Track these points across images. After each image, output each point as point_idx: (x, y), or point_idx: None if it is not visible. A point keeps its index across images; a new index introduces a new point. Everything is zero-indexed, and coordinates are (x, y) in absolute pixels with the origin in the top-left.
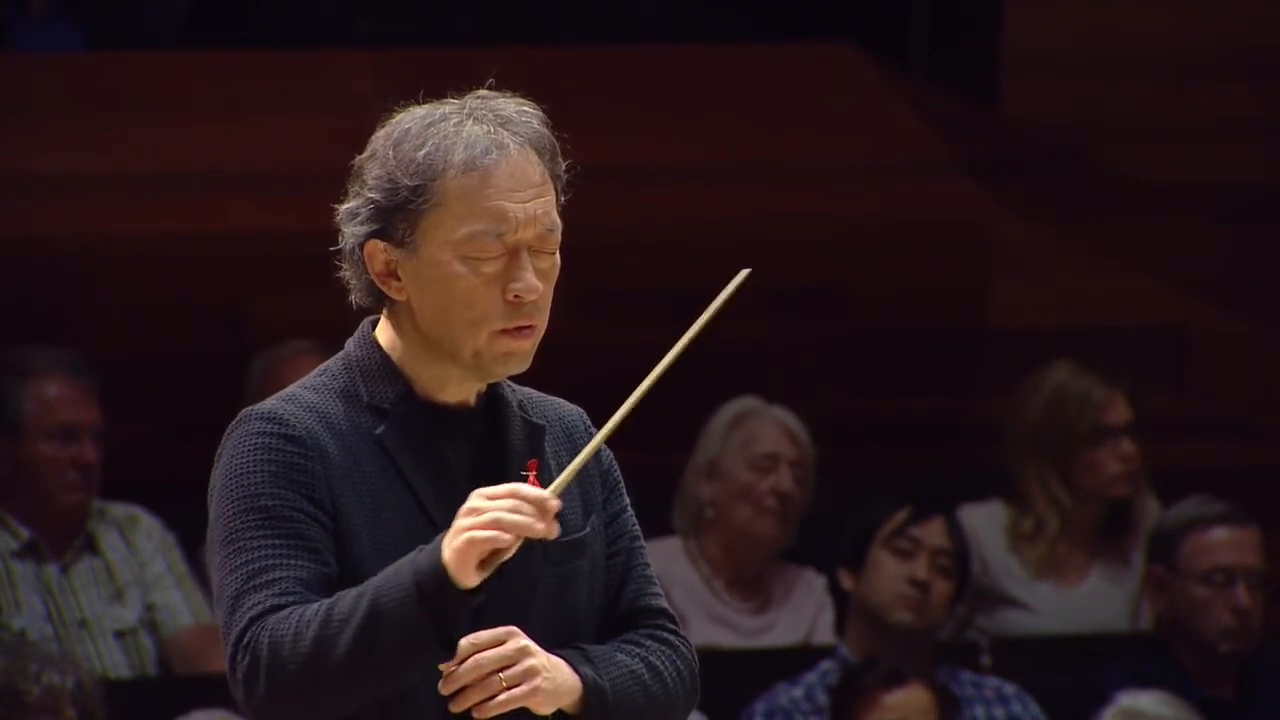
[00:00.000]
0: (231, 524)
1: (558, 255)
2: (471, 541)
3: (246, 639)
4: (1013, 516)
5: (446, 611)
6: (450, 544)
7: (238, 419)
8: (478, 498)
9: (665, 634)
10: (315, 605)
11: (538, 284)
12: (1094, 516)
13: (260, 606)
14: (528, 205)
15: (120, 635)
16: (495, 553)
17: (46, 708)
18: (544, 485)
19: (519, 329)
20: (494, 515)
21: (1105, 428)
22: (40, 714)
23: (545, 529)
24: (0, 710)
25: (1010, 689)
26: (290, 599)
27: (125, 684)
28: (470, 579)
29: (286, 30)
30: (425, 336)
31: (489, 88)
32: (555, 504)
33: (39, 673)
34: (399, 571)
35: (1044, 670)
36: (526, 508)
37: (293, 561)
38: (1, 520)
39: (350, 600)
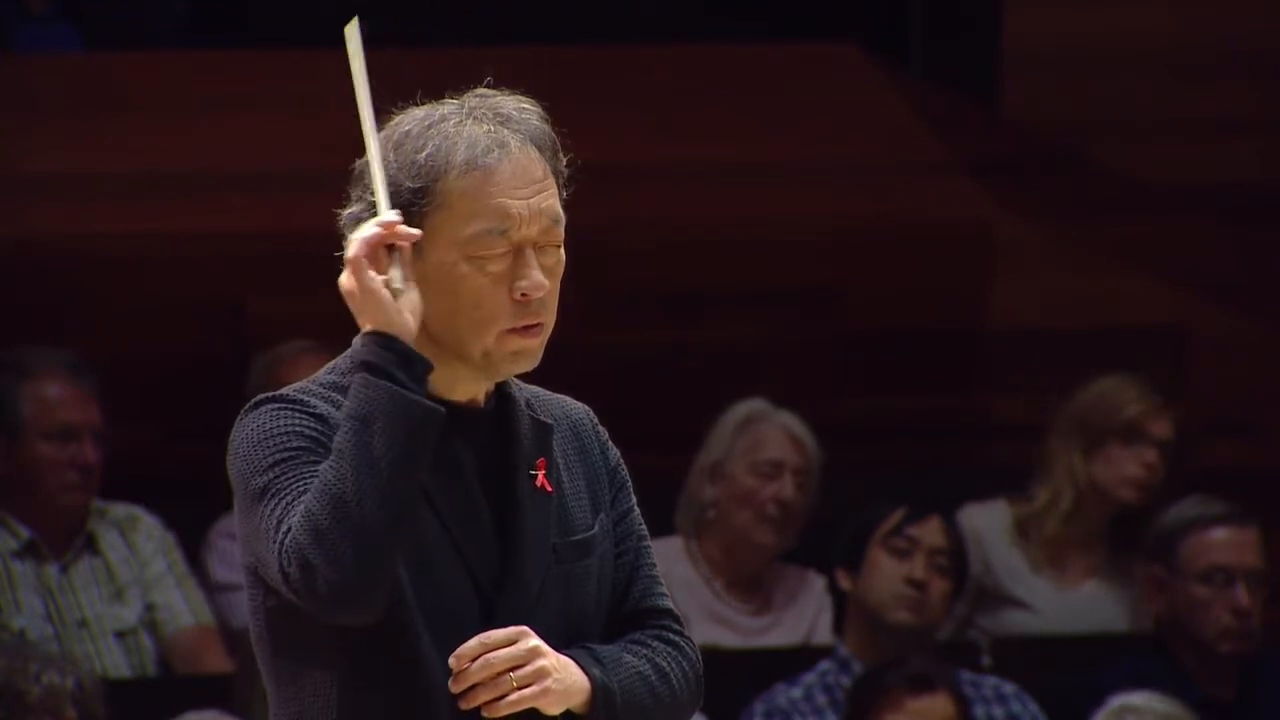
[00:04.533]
0: (261, 480)
1: (562, 251)
2: (353, 266)
3: (286, 549)
4: (1020, 509)
5: (403, 365)
6: (355, 309)
7: (252, 402)
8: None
9: (671, 635)
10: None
11: (544, 281)
12: (1101, 518)
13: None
14: (531, 201)
15: (120, 635)
16: (386, 253)
17: (46, 708)
18: (552, 484)
19: (527, 327)
20: (352, 248)
21: (1142, 432)
22: (40, 714)
23: (402, 233)
24: (0, 710)
25: (1009, 688)
26: None
27: (125, 684)
28: (383, 312)
29: (286, 30)
30: (433, 337)
31: (487, 86)
32: (391, 214)
33: (39, 673)
34: (351, 383)
35: (1044, 670)
36: (368, 229)
37: None
38: (1, 520)
39: (335, 444)
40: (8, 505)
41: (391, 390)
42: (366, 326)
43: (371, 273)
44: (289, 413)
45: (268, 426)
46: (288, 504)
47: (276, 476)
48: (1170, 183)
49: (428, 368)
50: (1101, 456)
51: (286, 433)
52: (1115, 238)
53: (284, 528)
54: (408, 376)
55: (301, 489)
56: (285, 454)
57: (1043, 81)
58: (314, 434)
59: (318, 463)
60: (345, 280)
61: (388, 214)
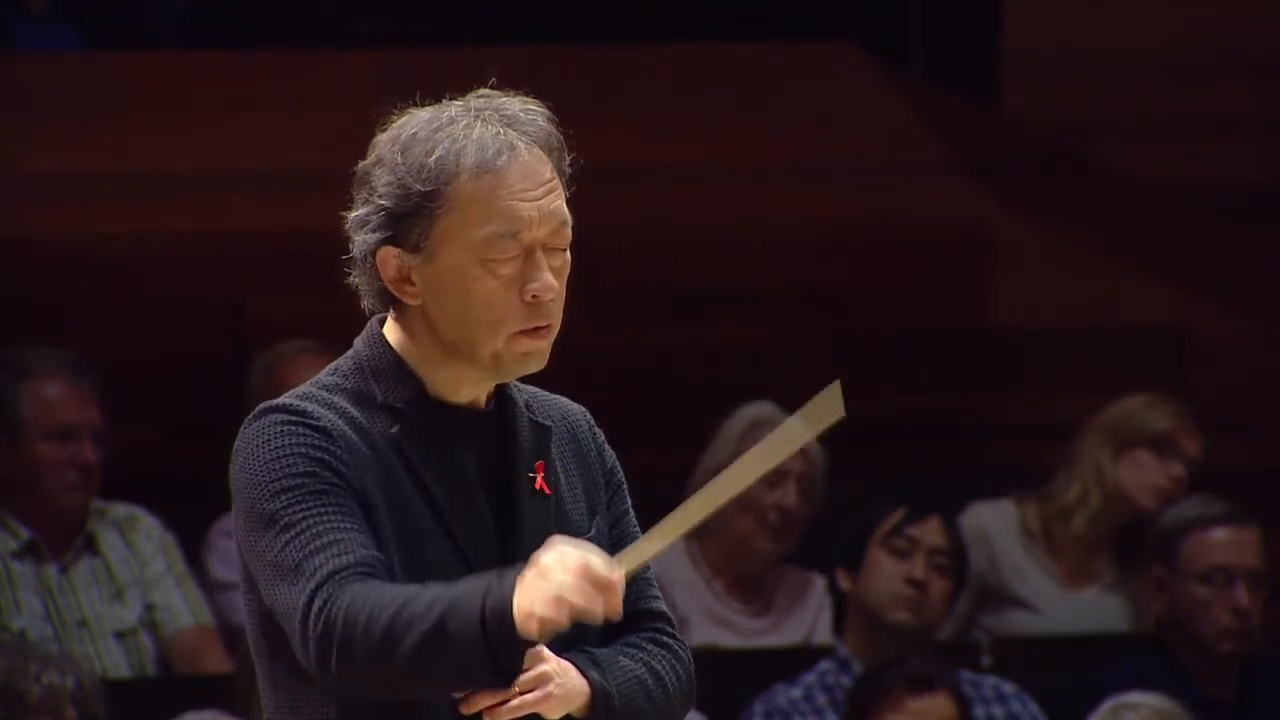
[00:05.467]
0: (270, 505)
1: (569, 253)
2: (531, 614)
3: (320, 602)
4: (1028, 508)
5: (505, 651)
6: (520, 599)
7: (255, 412)
8: (552, 560)
9: (665, 638)
10: (393, 593)
11: (554, 283)
12: (1116, 521)
13: (327, 567)
14: (540, 203)
15: (120, 635)
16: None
17: (46, 708)
18: (550, 486)
19: (537, 329)
20: (559, 591)
21: (1174, 445)
22: (40, 714)
23: (608, 611)
24: (0, 710)
25: (1009, 688)
26: (354, 556)
27: (125, 684)
28: (532, 634)
29: (286, 30)
30: (440, 339)
31: (491, 87)
32: (620, 584)
33: (39, 673)
34: (472, 595)
35: (1044, 670)
36: (589, 590)
37: (344, 524)
38: (1, 520)
39: (424, 604)
40: (8, 505)
41: (481, 659)
42: (520, 607)
43: (561, 609)
44: (293, 429)
45: (273, 445)
46: (305, 545)
47: (285, 506)
48: (1170, 183)
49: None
50: (1129, 461)
51: (292, 455)
52: (1115, 238)
53: (314, 573)
54: (505, 660)
55: (316, 531)
56: (293, 480)
57: (1043, 81)
58: (318, 455)
59: (324, 491)
60: (543, 596)
61: (618, 577)
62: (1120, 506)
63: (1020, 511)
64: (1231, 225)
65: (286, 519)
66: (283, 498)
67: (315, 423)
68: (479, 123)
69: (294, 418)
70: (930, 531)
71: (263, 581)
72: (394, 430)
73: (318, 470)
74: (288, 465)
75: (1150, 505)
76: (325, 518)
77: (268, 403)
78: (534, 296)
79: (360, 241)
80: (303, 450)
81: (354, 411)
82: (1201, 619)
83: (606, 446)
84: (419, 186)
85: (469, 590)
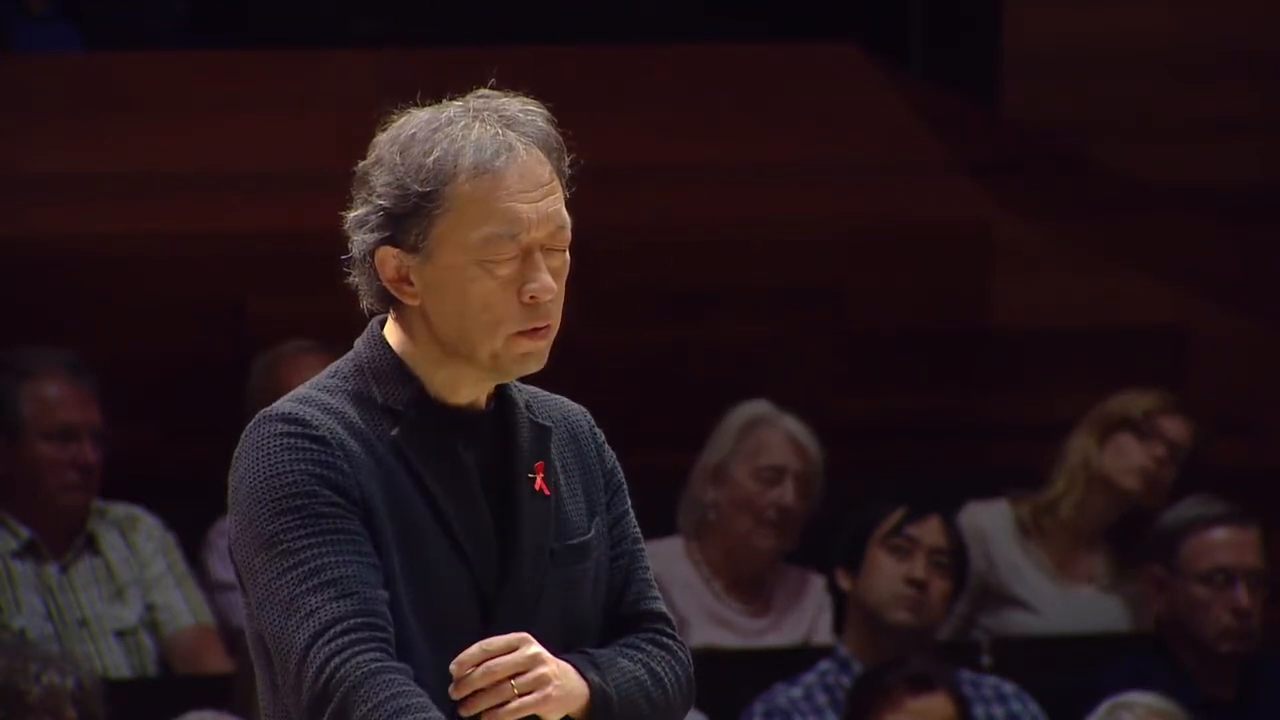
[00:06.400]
0: (270, 526)
1: (568, 253)
2: None
3: (322, 659)
4: (1023, 507)
5: None
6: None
7: (255, 421)
8: None
9: (664, 639)
10: (397, 704)
11: (553, 283)
12: (1105, 511)
13: (326, 611)
14: (539, 204)
15: (120, 635)
16: None
17: (46, 708)
18: (550, 487)
19: (535, 330)
20: None
21: (1158, 430)
22: (40, 714)
23: None
24: (0, 710)
25: (1009, 688)
26: (353, 603)
27: (125, 684)
28: None
29: (286, 30)
30: (439, 340)
31: (491, 87)
32: None
33: (39, 673)
34: None
35: (1044, 670)
36: None
37: (343, 559)
38: (2, 520)
39: None
40: (8, 505)
41: None
42: None
43: None
44: (294, 440)
45: (273, 459)
46: (304, 580)
47: (284, 529)
48: (1170, 183)
49: None
50: (1112, 446)
51: (292, 471)
52: (1115, 238)
53: (314, 623)
54: None
55: (316, 566)
56: (294, 501)
57: (1043, 81)
58: (319, 471)
59: (325, 515)
60: None
61: None
62: (1105, 491)
63: (1015, 511)
64: (1231, 225)
65: (286, 544)
66: (282, 519)
67: (315, 432)
68: (478, 123)
69: (294, 427)
70: (930, 531)
71: (255, 601)
72: (394, 433)
73: (318, 489)
74: (289, 484)
75: (1134, 487)
76: (325, 548)
77: (268, 410)
78: (532, 297)
79: (359, 241)
80: (303, 467)
81: (353, 414)
82: (1201, 619)
83: (606, 447)
84: (417, 187)
85: None
